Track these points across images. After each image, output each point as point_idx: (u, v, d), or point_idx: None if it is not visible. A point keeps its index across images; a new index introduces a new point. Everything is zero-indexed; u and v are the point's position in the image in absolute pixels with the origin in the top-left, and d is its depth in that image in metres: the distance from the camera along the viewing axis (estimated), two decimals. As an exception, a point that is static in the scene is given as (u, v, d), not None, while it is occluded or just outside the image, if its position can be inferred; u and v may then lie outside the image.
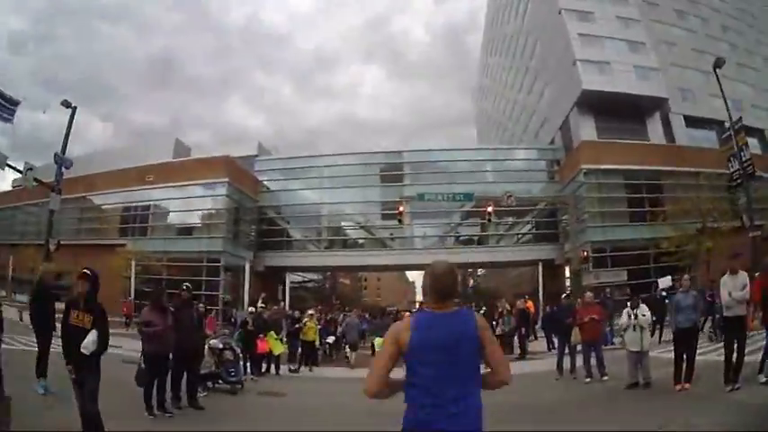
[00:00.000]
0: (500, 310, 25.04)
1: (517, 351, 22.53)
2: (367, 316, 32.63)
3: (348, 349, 21.67)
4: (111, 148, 61.07)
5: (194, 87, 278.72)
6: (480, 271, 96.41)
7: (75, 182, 48.82)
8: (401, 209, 32.20)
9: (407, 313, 17.61)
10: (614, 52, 48.51)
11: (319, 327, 21.84)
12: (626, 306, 13.20)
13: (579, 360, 15.08)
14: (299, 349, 19.76)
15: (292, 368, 19.02)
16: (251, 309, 18.32)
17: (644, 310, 12.89)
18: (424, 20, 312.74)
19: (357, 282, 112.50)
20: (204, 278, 45.27)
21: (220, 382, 13.55)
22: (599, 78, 46.74)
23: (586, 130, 46.87)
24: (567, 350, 15.89)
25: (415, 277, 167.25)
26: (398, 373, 3.52)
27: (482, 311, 27.63)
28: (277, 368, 18.46)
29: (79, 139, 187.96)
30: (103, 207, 52.93)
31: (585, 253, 32.60)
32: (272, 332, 18.69)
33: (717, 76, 25.78)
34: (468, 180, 49.74)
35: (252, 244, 52.33)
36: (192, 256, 46.66)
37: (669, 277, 25.39)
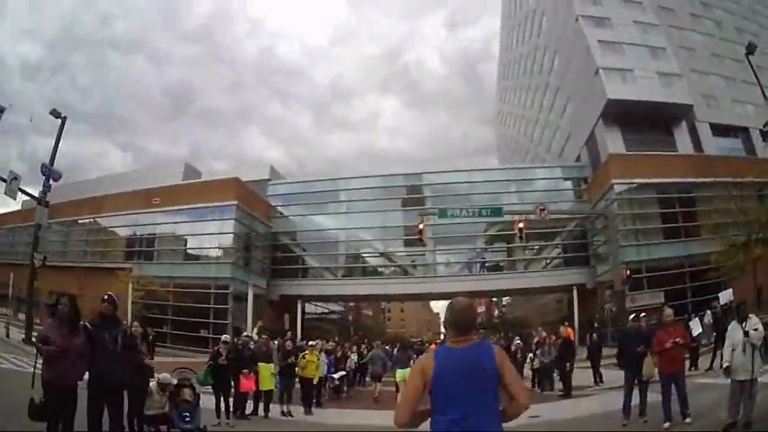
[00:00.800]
0: (537, 339, 21.31)
1: (559, 387, 18.79)
2: (392, 349, 29.95)
3: (373, 381, 20.61)
4: (122, 173, 57.47)
5: (211, 119, 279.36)
6: (506, 300, 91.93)
7: (83, 204, 48.83)
8: (421, 227, 28.38)
9: (432, 345, 18.29)
10: (636, 59, 45.60)
11: (326, 361, 18.73)
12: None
13: (651, 397, 11.39)
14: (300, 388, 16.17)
15: (285, 410, 14.95)
16: (225, 338, 14.33)
17: (755, 323, 9.32)
18: (438, 50, 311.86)
19: (380, 312, 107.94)
20: (212, 306, 42.35)
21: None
22: (623, 87, 43.88)
23: (614, 143, 43.62)
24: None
25: (440, 308, 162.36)
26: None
27: (516, 341, 24.23)
28: (266, 410, 14.92)
29: (97, 168, 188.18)
30: (110, 229, 50.39)
31: (628, 272, 28.60)
32: (268, 365, 15.36)
33: (750, 62, 24.77)
34: (492, 202, 46.00)
35: (265, 271, 49.02)
36: (199, 283, 43.59)
37: (731, 290, 21.59)
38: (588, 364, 20.83)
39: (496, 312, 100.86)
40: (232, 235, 44.12)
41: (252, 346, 15.91)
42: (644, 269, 38.18)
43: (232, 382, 13.74)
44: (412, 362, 15.79)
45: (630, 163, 40.54)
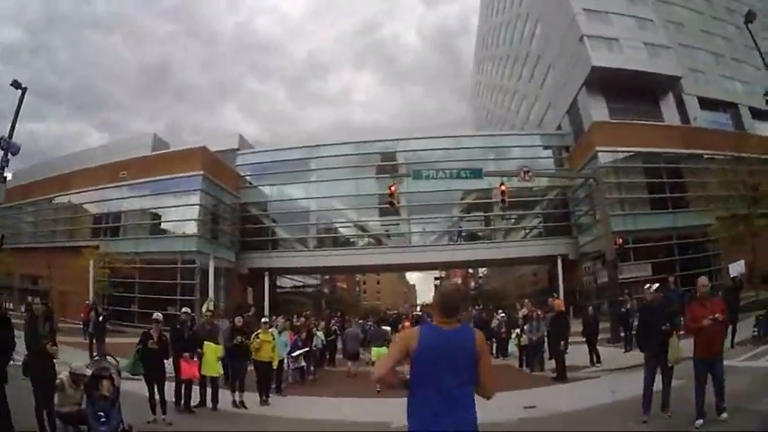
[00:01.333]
0: (524, 312, 18.93)
1: (551, 368, 16.46)
2: (368, 323, 27.16)
3: (348, 361, 19.20)
4: (92, 148, 54.07)
5: (189, 96, 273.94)
6: (482, 271, 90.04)
7: (52, 182, 46.28)
8: (393, 189, 25.44)
9: (407, 320, 18.89)
10: (622, 29, 43.50)
11: (287, 341, 16.38)
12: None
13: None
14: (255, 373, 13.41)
15: (236, 401, 12.49)
16: (156, 316, 11.37)
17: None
18: (415, 24, 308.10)
19: (355, 285, 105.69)
20: (179, 281, 39.70)
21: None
22: (608, 55, 41.73)
23: (598, 111, 41.40)
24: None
25: (416, 280, 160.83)
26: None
27: (499, 315, 22.22)
28: (213, 400, 12.45)
29: (76, 147, 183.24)
30: (78, 207, 47.17)
31: (621, 240, 26.40)
32: (215, 347, 12.75)
33: (749, 30, 23.49)
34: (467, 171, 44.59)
35: (234, 244, 46.24)
36: (165, 258, 40.80)
37: (742, 261, 19.89)
38: (580, 340, 18.20)
39: (473, 284, 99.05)
40: (198, 207, 41.11)
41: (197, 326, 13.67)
42: (631, 240, 36.05)
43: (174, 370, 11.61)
44: (387, 341, 16.93)
45: (615, 131, 38.80)
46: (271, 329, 14.64)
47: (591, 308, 20.80)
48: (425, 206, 45.63)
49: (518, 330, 18.66)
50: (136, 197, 43.21)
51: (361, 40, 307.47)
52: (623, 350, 19.08)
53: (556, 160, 47.15)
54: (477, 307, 30.95)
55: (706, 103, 42.97)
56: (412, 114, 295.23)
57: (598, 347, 17.51)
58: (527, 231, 47.38)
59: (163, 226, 43.28)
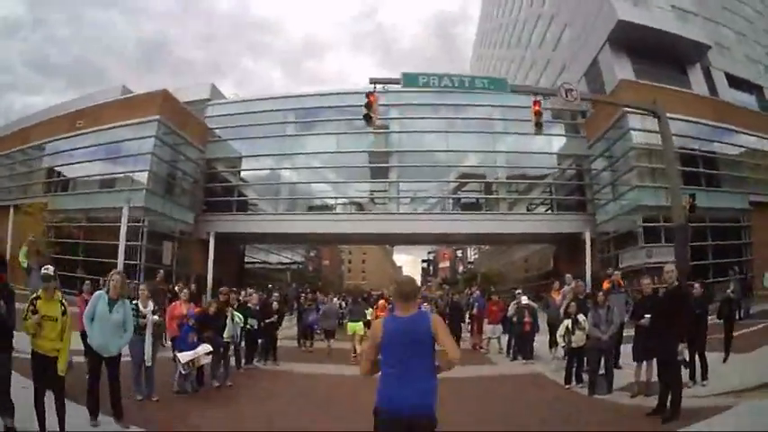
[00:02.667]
0: (580, 292, 12.66)
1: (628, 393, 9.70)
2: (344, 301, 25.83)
3: (325, 336, 17.26)
4: (62, 102, 45.39)
5: (185, 72, 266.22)
6: (473, 254, 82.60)
7: (12, 137, 40.90)
8: (373, 98, 16.92)
9: (383, 300, 17.99)
10: None
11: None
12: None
13: None
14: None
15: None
16: None
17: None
18: (415, 8, 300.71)
19: (339, 263, 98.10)
20: (126, 243, 31.15)
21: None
22: (635, 11, 34.99)
23: (622, 71, 33.88)
24: None
25: (403, 262, 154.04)
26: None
27: (522, 300, 14.92)
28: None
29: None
30: (32, 161, 39.65)
31: (691, 200, 18.43)
32: None
33: None
34: (468, 127, 38.34)
35: (194, 205, 38.08)
36: (111, 216, 32.31)
37: None
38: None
39: (461, 268, 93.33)
40: (150, 156, 33.32)
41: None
42: (661, 218, 29.33)
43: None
44: (363, 316, 16.15)
45: (644, 93, 30.32)
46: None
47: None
48: (418, 169, 38.03)
49: (567, 323, 10.71)
50: (88, 148, 35.45)
51: (360, 24, 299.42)
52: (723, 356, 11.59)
53: (571, 126, 39.30)
54: (471, 290, 24.86)
55: (734, 81, 36.81)
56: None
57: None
58: (534, 206, 39.56)
59: (112, 179, 35.17)
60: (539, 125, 18.16)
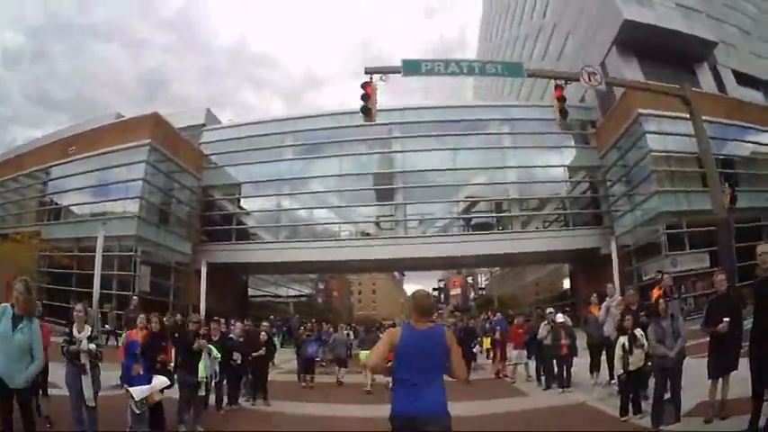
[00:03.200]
0: (629, 306, 10.40)
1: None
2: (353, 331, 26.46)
3: (336, 366, 16.50)
4: (58, 130, 43.45)
5: (184, 105, 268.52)
6: (485, 279, 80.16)
7: (6, 164, 38.24)
8: (369, 89, 14.62)
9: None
10: None
11: None
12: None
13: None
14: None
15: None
16: None
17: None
18: (413, 36, 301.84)
19: (348, 294, 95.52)
20: (116, 272, 29.99)
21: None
22: (640, 10, 33.62)
23: (632, 73, 31.80)
24: None
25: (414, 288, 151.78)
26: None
27: (558, 318, 12.81)
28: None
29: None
30: (25, 189, 37.47)
31: (731, 190, 16.08)
32: None
33: None
34: (476, 144, 36.37)
35: (190, 234, 35.84)
36: (106, 245, 29.21)
37: None
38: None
39: (472, 295, 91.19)
40: (142, 183, 31.32)
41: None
42: (684, 224, 27.98)
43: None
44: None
45: (654, 99, 28.56)
46: None
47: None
48: (425, 190, 35.94)
49: (623, 340, 8.40)
50: (79, 175, 33.54)
51: (359, 53, 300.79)
52: None
53: (581, 136, 37.19)
54: (487, 316, 24.73)
55: (742, 79, 35.39)
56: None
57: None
58: (548, 223, 37.33)
59: (103, 207, 32.86)
60: (563, 112, 15.88)
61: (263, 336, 12.48)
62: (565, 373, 11.93)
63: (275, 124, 39.00)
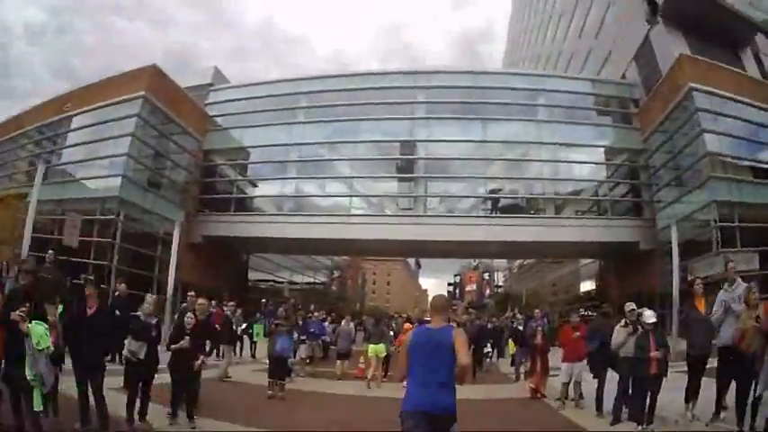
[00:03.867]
0: None
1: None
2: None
3: (337, 359, 15.83)
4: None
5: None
6: (504, 275, 76.61)
7: (6, 125, 35.20)
8: None
9: (406, 323, 17.10)
10: None
11: None
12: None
13: None
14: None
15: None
16: None
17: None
18: (441, 26, 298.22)
19: (357, 282, 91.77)
20: (95, 239, 26.69)
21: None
22: None
23: (678, 50, 27.97)
24: None
25: (429, 285, 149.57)
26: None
27: (647, 315, 8.11)
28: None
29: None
30: (21, 149, 34.67)
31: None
32: None
33: None
34: (508, 114, 32.41)
35: (185, 201, 32.08)
36: (86, 208, 27.43)
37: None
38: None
39: (488, 292, 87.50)
40: (130, 138, 27.81)
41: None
42: (736, 216, 24.36)
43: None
44: (384, 338, 14.76)
45: (708, 72, 26.18)
46: None
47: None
48: (449, 164, 32.21)
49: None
50: (71, 132, 30.61)
51: (386, 40, 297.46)
52: None
53: (619, 116, 33.24)
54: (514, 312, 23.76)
55: None
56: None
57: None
58: (581, 212, 32.45)
59: (90, 166, 29.64)
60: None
61: (193, 318, 8.06)
62: (649, 400, 7.72)
63: (290, 84, 35.17)
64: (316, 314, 18.20)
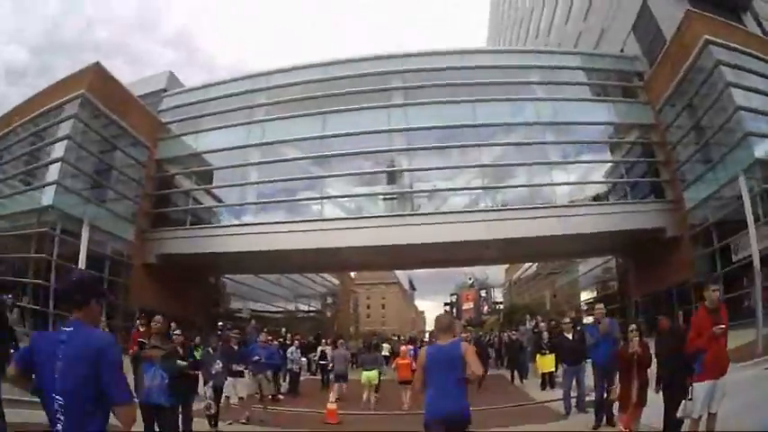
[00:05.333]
0: None
1: None
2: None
3: (335, 382, 14.66)
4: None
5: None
6: (503, 291, 73.20)
7: None
8: None
9: (403, 347, 16.57)
10: None
11: None
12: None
13: None
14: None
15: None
16: None
17: None
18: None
19: (349, 307, 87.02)
20: (32, 255, 22.09)
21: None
22: None
23: (681, 10, 23.71)
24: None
25: (426, 307, 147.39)
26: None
27: None
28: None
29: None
30: None
31: None
32: None
33: None
34: (498, 94, 27.40)
35: (136, 217, 26.90)
36: (21, 223, 23.54)
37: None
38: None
39: (486, 308, 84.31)
40: (66, 142, 23.14)
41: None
42: None
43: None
44: (378, 364, 14.76)
45: (719, 28, 22.13)
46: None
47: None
48: (437, 153, 27.12)
49: None
50: (13, 144, 26.05)
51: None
52: None
53: (626, 91, 28.26)
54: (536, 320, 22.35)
55: None
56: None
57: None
58: (591, 199, 26.83)
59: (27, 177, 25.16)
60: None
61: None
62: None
63: (248, 81, 30.09)
64: (263, 336, 13.22)
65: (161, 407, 6.46)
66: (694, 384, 6.02)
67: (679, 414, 6.18)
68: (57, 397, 2.74)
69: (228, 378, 10.04)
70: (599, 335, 9.20)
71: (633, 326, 7.60)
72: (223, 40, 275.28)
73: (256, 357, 11.48)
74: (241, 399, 10.52)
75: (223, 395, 9.94)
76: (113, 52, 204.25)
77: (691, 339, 6.19)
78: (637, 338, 7.34)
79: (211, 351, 10.14)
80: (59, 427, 2.73)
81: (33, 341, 3.01)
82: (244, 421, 10.27)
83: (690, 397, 5.96)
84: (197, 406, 8.37)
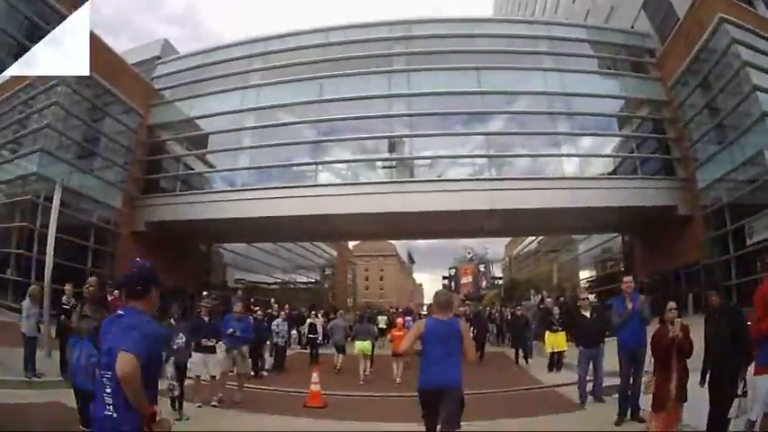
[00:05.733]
0: None
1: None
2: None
3: (336, 352, 14.78)
4: None
5: None
6: (503, 265, 71.57)
7: None
8: None
9: (399, 318, 15.93)
10: None
11: None
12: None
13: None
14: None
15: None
16: None
17: None
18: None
19: (352, 278, 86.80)
20: (16, 224, 21.39)
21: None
22: None
23: None
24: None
25: (424, 279, 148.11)
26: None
27: None
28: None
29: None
30: None
31: None
32: None
33: None
34: (506, 62, 26.24)
35: (125, 183, 25.93)
36: (13, 191, 22.49)
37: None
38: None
39: (484, 283, 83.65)
40: (52, 107, 22.15)
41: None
42: None
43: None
44: (371, 335, 14.60)
45: (733, 8, 21.09)
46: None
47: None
48: (439, 120, 25.73)
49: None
50: (5, 113, 23.86)
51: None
52: None
53: (637, 67, 26.95)
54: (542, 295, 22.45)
55: None
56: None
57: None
58: (606, 174, 25.72)
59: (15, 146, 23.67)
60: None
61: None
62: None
63: (244, 47, 28.73)
64: (238, 306, 11.02)
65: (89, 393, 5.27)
66: (755, 377, 5.00)
67: (731, 414, 5.21)
68: (105, 373, 2.91)
69: (197, 354, 8.87)
70: (626, 312, 7.75)
71: (672, 303, 6.11)
72: (230, 16, 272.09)
73: (230, 330, 10.04)
74: (213, 378, 9.26)
75: (191, 374, 8.88)
76: (118, 29, 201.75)
77: (758, 321, 5.06)
78: (678, 320, 5.96)
79: (173, 322, 8.59)
80: (109, 400, 2.87)
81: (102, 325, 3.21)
82: (215, 404, 9.00)
83: (744, 392, 4.96)
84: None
